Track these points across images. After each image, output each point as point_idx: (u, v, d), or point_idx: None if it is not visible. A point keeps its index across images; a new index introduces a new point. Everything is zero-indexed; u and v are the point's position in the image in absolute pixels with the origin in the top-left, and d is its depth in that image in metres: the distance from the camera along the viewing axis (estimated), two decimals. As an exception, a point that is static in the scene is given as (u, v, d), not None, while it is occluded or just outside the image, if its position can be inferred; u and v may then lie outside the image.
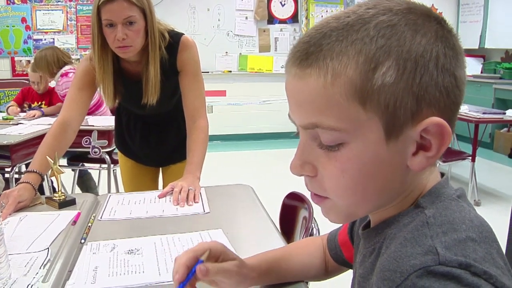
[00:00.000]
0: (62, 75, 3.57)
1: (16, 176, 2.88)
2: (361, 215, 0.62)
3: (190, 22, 6.39)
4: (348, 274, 0.83)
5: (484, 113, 3.93)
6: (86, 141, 3.06)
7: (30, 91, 3.96)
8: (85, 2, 6.08)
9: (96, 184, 3.92)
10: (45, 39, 6.05)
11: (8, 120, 3.35)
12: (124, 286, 0.95)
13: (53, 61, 3.58)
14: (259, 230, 1.28)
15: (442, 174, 0.62)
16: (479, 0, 6.53)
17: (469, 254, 0.49)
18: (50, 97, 3.93)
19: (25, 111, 3.77)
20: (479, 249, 0.50)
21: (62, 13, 6.06)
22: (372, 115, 0.53)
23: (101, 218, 1.36)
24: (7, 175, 2.79)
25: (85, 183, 3.81)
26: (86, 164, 3.66)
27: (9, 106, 3.77)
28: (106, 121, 3.27)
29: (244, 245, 1.16)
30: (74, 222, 1.30)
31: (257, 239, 1.24)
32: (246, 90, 6.74)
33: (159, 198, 1.52)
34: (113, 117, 2.15)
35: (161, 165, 2.09)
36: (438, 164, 0.61)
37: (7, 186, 2.49)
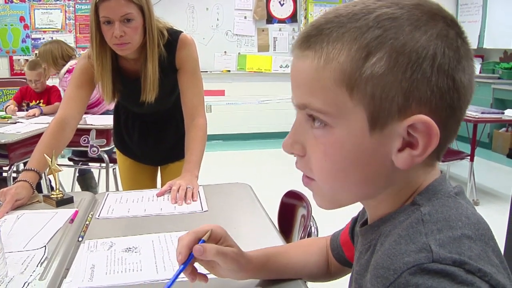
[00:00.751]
0: (68, 71, 3.57)
1: (14, 175, 2.87)
2: (344, 202, 0.62)
3: (189, 22, 6.39)
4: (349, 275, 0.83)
5: (482, 113, 3.93)
6: (85, 140, 3.05)
7: (28, 90, 3.95)
8: (83, 1, 6.07)
9: (97, 183, 3.92)
10: (43, 38, 6.04)
11: (6, 119, 3.35)
12: (122, 284, 0.95)
13: (58, 54, 3.61)
14: (257, 228, 1.28)
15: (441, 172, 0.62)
16: (478, 0, 6.53)
17: (464, 252, 0.48)
18: (48, 96, 3.92)
19: (23, 110, 3.76)
20: (475, 247, 0.50)
21: (61, 12, 6.06)
22: (357, 104, 0.54)
23: (99, 216, 1.36)
24: (5, 174, 2.78)
25: (86, 181, 3.81)
26: (87, 163, 3.66)
27: (8, 105, 3.76)
28: (104, 120, 3.26)
29: (242, 243, 1.15)
30: (72, 220, 1.29)
31: (255, 237, 1.23)
32: (245, 89, 6.74)
33: (157, 196, 1.52)
34: (112, 116, 2.14)
35: (160, 163, 2.08)
36: (437, 162, 0.60)
37: (4, 185, 2.48)
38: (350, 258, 0.86)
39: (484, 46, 6.43)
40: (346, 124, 0.55)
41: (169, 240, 1.16)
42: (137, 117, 1.98)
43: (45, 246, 1.12)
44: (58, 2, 6.03)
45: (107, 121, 3.12)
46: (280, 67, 6.78)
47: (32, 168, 1.50)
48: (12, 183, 2.64)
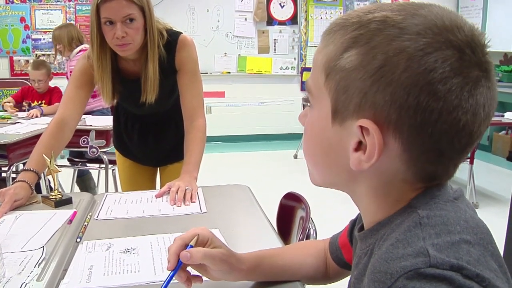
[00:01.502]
0: (81, 50, 3.68)
1: (13, 175, 2.87)
2: (318, 181, 0.66)
3: (190, 23, 6.39)
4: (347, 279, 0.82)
5: (482, 116, 3.92)
6: (84, 141, 3.05)
7: (30, 90, 3.95)
8: (84, 2, 6.07)
9: (96, 184, 3.92)
10: (44, 39, 6.04)
11: (6, 119, 3.34)
12: (119, 285, 0.95)
13: (74, 35, 3.76)
14: (256, 230, 1.28)
15: None
16: (478, 3, 6.54)
17: (462, 256, 0.48)
18: (50, 96, 3.92)
19: (24, 110, 3.76)
20: (474, 251, 0.49)
21: (61, 12, 6.05)
22: (328, 91, 0.57)
23: (97, 217, 1.35)
24: (4, 174, 2.78)
25: (85, 182, 3.81)
26: (85, 164, 3.66)
27: (5, 102, 3.76)
28: (104, 121, 3.26)
29: (241, 245, 1.15)
30: (70, 221, 1.29)
31: (254, 239, 1.23)
32: (245, 91, 6.74)
33: (156, 197, 1.51)
34: (111, 117, 2.14)
35: (159, 164, 2.08)
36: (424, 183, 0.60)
37: (3, 185, 2.48)
38: (349, 260, 0.85)
39: (484, 49, 6.42)
40: (319, 107, 0.60)
41: (167, 242, 1.15)
42: (137, 119, 1.98)
43: (43, 247, 1.12)
44: (58, 2, 6.03)
45: (107, 122, 3.12)
46: (280, 69, 6.78)
47: (31, 169, 1.50)
48: (11, 183, 2.64)
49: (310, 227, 1.20)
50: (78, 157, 3.65)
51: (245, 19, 6.60)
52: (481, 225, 0.55)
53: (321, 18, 6.77)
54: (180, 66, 1.75)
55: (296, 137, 6.06)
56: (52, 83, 4.07)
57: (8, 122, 3.28)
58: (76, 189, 3.80)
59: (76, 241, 1.17)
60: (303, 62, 6.84)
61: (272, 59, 6.76)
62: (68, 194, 1.49)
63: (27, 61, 5.91)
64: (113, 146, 2.28)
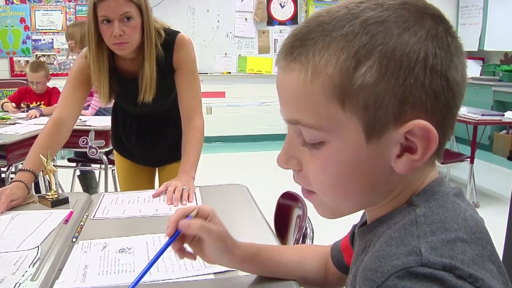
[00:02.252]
0: None
1: (12, 175, 2.87)
2: (346, 212, 0.61)
3: (190, 23, 6.39)
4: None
5: (483, 115, 3.92)
6: (83, 141, 3.05)
7: (28, 91, 3.94)
8: (84, 3, 6.08)
9: (97, 184, 3.92)
10: (44, 39, 6.05)
11: (5, 120, 3.34)
12: (114, 285, 0.94)
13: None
14: (253, 229, 1.27)
15: None
16: (479, 2, 6.53)
17: (457, 256, 0.47)
18: (49, 98, 3.91)
19: (23, 111, 3.76)
20: (469, 250, 0.48)
21: (61, 13, 6.06)
22: (351, 116, 0.52)
23: (94, 217, 1.35)
24: (2, 175, 2.78)
25: (87, 180, 3.81)
26: (89, 164, 3.67)
27: (4, 102, 3.76)
28: (103, 121, 3.26)
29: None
30: (66, 221, 1.28)
31: (250, 238, 1.21)
32: (245, 91, 6.74)
33: (153, 197, 1.51)
34: (110, 117, 2.14)
35: (157, 165, 2.08)
36: (437, 164, 0.59)
37: (2, 185, 2.48)
38: (350, 264, 0.84)
39: (484, 49, 6.42)
40: (340, 136, 0.53)
41: (163, 241, 1.15)
42: (135, 118, 1.97)
43: (38, 246, 1.11)
44: (58, 3, 6.04)
45: (106, 122, 3.12)
46: (280, 69, 6.77)
47: (28, 169, 1.49)
48: (9, 184, 2.63)
49: (307, 226, 1.20)
50: (82, 157, 3.65)
51: (245, 19, 6.60)
52: (480, 224, 0.53)
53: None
54: (178, 65, 1.75)
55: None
56: (53, 84, 4.07)
57: (7, 122, 3.28)
58: (77, 188, 3.80)
59: (72, 240, 1.17)
60: (304, 62, 6.83)
61: (273, 59, 6.75)
62: (64, 194, 1.48)
63: (27, 61, 5.90)
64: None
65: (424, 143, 0.52)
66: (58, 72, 6.02)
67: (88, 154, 3.10)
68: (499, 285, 0.48)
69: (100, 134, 3.10)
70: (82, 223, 1.29)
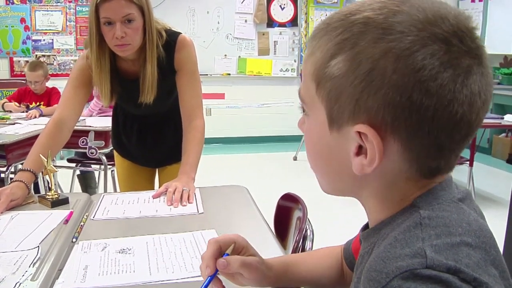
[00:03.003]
0: None
1: (12, 175, 2.87)
2: (327, 189, 0.65)
3: (190, 25, 6.39)
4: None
5: (482, 118, 3.91)
6: (83, 142, 3.05)
7: (27, 91, 3.94)
8: (84, 3, 6.07)
9: (97, 184, 3.92)
10: (44, 40, 6.04)
11: (5, 120, 3.34)
12: (114, 285, 0.94)
13: None
14: (253, 230, 1.27)
15: None
16: (478, 5, 6.54)
17: (461, 259, 0.47)
18: (48, 98, 3.91)
19: (22, 112, 3.76)
20: (474, 255, 0.48)
21: (62, 14, 6.06)
22: (321, 99, 0.56)
23: (93, 217, 1.35)
24: (2, 175, 2.78)
25: (86, 180, 3.81)
26: (89, 165, 3.67)
27: (4, 103, 3.76)
28: (103, 121, 3.26)
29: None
30: (66, 221, 1.29)
31: (250, 239, 1.21)
32: (245, 93, 6.74)
33: (153, 198, 1.51)
34: (110, 117, 2.14)
35: (158, 165, 2.08)
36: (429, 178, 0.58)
37: (2, 186, 2.47)
38: None
39: (484, 52, 6.42)
40: (314, 115, 0.59)
41: (163, 242, 1.15)
42: (136, 119, 1.97)
43: (38, 246, 1.11)
44: (59, 3, 6.03)
45: (106, 122, 3.12)
46: (280, 71, 6.78)
47: (28, 169, 1.49)
48: (9, 184, 2.63)
49: (307, 228, 1.20)
50: (82, 157, 3.64)
51: (245, 21, 6.60)
52: (484, 229, 0.53)
53: (321, 20, 6.76)
54: (179, 66, 1.75)
55: (295, 139, 6.05)
56: (53, 84, 4.07)
57: (7, 122, 3.28)
58: (76, 188, 3.80)
59: (72, 241, 1.17)
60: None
61: (272, 61, 6.76)
62: (64, 194, 1.48)
63: (27, 62, 5.89)
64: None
65: (372, 150, 0.53)
66: (58, 73, 6.01)
67: (88, 154, 3.10)
68: None
69: (99, 134, 3.10)
70: (82, 223, 1.29)
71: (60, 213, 1.35)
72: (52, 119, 1.67)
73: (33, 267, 1.00)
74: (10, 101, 3.84)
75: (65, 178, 3.75)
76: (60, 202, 1.43)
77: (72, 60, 6.08)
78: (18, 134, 2.80)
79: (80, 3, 6.08)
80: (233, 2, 6.49)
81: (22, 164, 2.94)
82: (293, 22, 6.75)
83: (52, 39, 6.07)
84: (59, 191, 1.49)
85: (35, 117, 3.47)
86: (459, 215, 0.53)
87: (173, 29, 1.79)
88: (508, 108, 5.60)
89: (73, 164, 3.71)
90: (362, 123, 0.52)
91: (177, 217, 1.36)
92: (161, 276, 0.97)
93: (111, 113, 2.11)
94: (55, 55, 6.09)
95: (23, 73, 5.72)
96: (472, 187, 3.91)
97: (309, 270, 0.92)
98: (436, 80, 0.49)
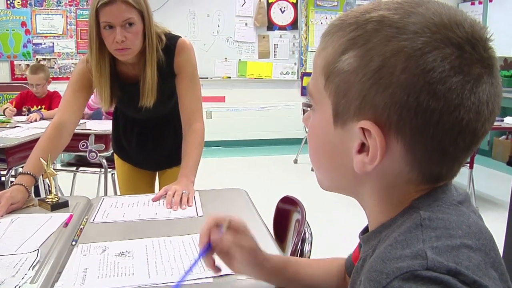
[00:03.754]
0: None
1: (12, 179, 2.87)
2: (325, 185, 0.65)
3: (190, 28, 6.40)
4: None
5: (482, 120, 3.91)
6: (83, 145, 3.05)
7: (29, 95, 3.95)
8: (85, 7, 6.09)
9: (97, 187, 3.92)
10: (44, 43, 6.06)
11: (5, 123, 3.35)
12: (113, 288, 0.94)
13: None
14: (252, 233, 1.27)
15: None
16: (478, 8, 6.55)
17: (462, 261, 0.47)
18: (50, 101, 3.92)
19: (24, 115, 3.76)
20: (474, 257, 0.49)
21: (62, 17, 6.07)
22: (328, 94, 0.57)
23: (93, 220, 1.35)
24: (2, 178, 2.78)
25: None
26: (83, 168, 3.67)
27: (6, 108, 3.76)
28: (103, 125, 3.26)
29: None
30: (66, 224, 1.29)
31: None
32: (245, 96, 6.75)
33: (153, 201, 1.51)
34: (111, 121, 2.14)
35: (158, 169, 2.08)
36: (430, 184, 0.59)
37: (2, 189, 2.48)
38: None
39: (484, 54, 6.43)
40: (320, 110, 0.60)
41: (162, 245, 1.15)
42: (136, 123, 1.98)
43: (37, 249, 1.12)
44: (59, 7, 6.05)
45: (106, 126, 3.12)
46: (281, 74, 6.79)
47: (28, 172, 1.50)
48: (9, 187, 2.63)
49: (306, 230, 1.20)
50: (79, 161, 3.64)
51: (246, 24, 6.62)
52: (484, 231, 0.54)
53: (321, 23, 6.78)
54: (179, 70, 1.75)
55: (296, 142, 6.06)
56: (53, 87, 4.08)
57: (8, 126, 3.29)
58: (76, 192, 3.80)
59: (72, 244, 1.17)
60: (304, 67, 6.85)
61: (273, 64, 6.77)
62: (64, 198, 1.49)
63: (28, 65, 5.90)
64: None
65: (374, 148, 0.53)
66: (59, 76, 6.03)
67: (88, 158, 3.10)
68: None
69: (100, 138, 3.10)
70: (81, 226, 1.29)
71: (60, 216, 1.35)
72: (52, 123, 1.67)
73: (32, 270, 1.01)
74: (15, 106, 3.84)
75: (65, 181, 3.76)
76: (59, 205, 1.44)
77: (72, 63, 6.09)
78: (19, 138, 2.81)
79: (81, 7, 6.10)
80: (234, 5, 6.51)
81: (22, 167, 2.95)
82: (293, 25, 6.77)
83: (53, 43, 6.09)
84: (59, 194, 1.49)
85: (36, 120, 3.47)
86: (459, 217, 0.53)
87: (172, 32, 1.80)
88: (508, 110, 5.59)
89: (73, 168, 3.71)
90: (367, 119, 0.52)
91: (176, 220, 1.36)
92: (160, 279, 0.98)
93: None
94: (55, 58, 6.11)
95: (23, 77, 5.75)
96: (472, 190, 3.91)
97: (309, 274, 0.91)
98: (445, 83, 0.49)
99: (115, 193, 3.48)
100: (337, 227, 3.44)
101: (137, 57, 1.69)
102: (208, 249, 0.82)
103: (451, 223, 0.52)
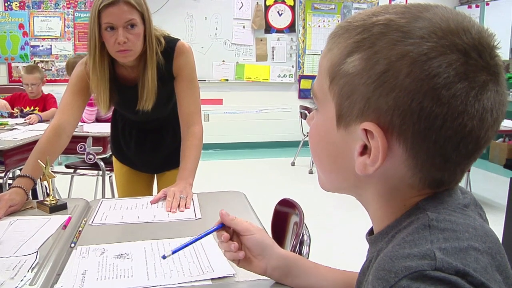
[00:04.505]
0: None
1: (10, 181, 2.87)
2: (327, 186, 0.66)
3: (188, 30, 6.41)
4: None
5: (479, 123, 3.93)
6: (81, 148, 3.05)
7: (21, 96, 3.95)
8: (82, 9, 6.10)
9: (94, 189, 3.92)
10: (42, 46, 6.06)
11: (3, 126, 3.35)
12: (112, 290, 0.95)
13: None
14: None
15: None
16: (475, 11, 6.58)
17: (470, 263, 0.47)
18: (44, 103, 3.91)
19: (16, 116, 3.76)
20: (482, 259, 0.49)
21: (60, 19, 6.08)
22: (332, 96, 0.57)
23: (92, 222, 1.35)
24: (0, 181, 2.78)
25: None
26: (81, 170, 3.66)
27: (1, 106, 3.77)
28: (101, 127, 3.27)
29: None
30: (65, 226, 1.29)
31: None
32: (242, 99, 6.76)
33: (151, 203, 1.52)
34: (109, 123, 2.14)
35: (156, 171, 2.08)
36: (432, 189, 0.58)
37: (0, 191, 2.48)
38: None
39: (481, 57, 6.45)
40: (324, 111, 0.60)
41: (161, 247, 1.16)
42: (134, 125, 1.98)
43: (36, 251, 1.12)
44: (57, 9, 6.06)
45: (104, 128, 3.13)
46: (278, 77, 6.80)
47: (27, 175, 1.50)
48: (7, 190, 2.63)
49: (304, 233, 1.20)
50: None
51: (243, 26, 6.63)
52: (490, 234, 0.54)
53: (319, 26, 6.80)
54: (178, 72, 1.76)
55: (294, 144, 6.07)
56: (51, 90, 4.08)
57: (5, 128, 3.28)
58: (74, 195, 3.80)
59: (70, 246, 1.18)
60: (301, 70, 6.86)
61: (270, 67, 6.78)
62: (63, 200, 1.49)
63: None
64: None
65: (376, 150, 0.53)
66: (56, 78, 6.03)
67: (86, 160, 3.10)
68: None
69: (98, 140, 3.10)
70: (80, 228, 1.30)
71: (59, 219, 1.35)
72: (51, 125, 1.67)
73: (31, 272, 1.01)
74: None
75: (63, 183, 3.76)
76: (58, 207, 1.44)
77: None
78: (17, 140, 2.81)
79: (79, 9, 6.11)
80: (231, 8, 6.53)
81: (20, 169, 2.95)
82: (291, 28, 6.78)
83: (51, 45, 6.09)
84: (57, 197, 1.49)
85: (34, 122, 3.47)
86: (465, 220, 0.53)
87: (171, 35, 1.80)
88: (506, 114, 5.62)
89: (71, 170, 3.71)
90: (370, 121, 0.53)
91: (175, 222, 1.36)
92: (159, 281, 0.98)
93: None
94: (53, 60, 6.11)
95: (21, 79, 5.74)
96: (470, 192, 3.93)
97: (319, 275, 0.90)
98: (450, 89, 0.49)
99: (113, 196, 3.48)
100: (335, 229, 3.44)
101: (137, 60, 1.69)
102: (219, 227, 0.90)
103: (458, 225, 0.52)
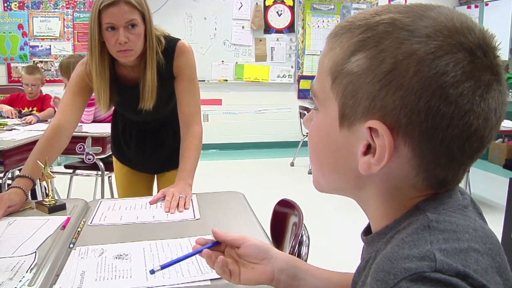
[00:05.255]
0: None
1: (9, 182, 2.87)
2: (324, 187, 0.65)
3: (187, 31, 6.41)
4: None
5: (478, 124, 3.94)
6: (80, 148, 3.05)
7: (19, 97, 3.95)
8: (82, 10, 6.10)
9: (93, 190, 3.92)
10: (41, 46, 6.06)
11: (2, 126, 3.34)
12: (111, 291, 0.94)
13: (73, 67, 3.61)
14: (249, 235, 1.27)
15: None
16: (474, 11, 6.59)
17: (470, 265, 0.47)
18: (41, 104, 3.91)
19: (14, 117, 3.76)
20: (482, 260, 0.48)
21: (59, 20, 6.07)
22: (335, 95, 0.57)
23: (91, 223, 1.35)
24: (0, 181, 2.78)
25: None
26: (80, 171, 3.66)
27: (7, 110, 3.76)
28: (100, 128, 3.26)
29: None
30: (64, 227, 1.29)
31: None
32: (242, 99, 6.76)
33: (150, 204, 1.51)
34: (109, 124, 2.14)
35: (156, 172, 2.08)
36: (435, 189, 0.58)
37: (-1, 192, 2.47)
38: None
39: (480, 58, 6.46)
40: (325, 111, 0.59)
41: (160, 248, 1.16)
42: (135, 125, 1.98)
43: (35, 252, 1.12)
44: (56, 10, 6.06)
45: (103, 129, 3.12)
46: (278, 77, 6.80)
47: (26, 175, 1.50)
48: (6, 190, 2.63)
49: (303, 233, 1.20)
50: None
51: (243, 27, 6.63)
52: (490, 235, 0.53)
53: (318, 26, 6.81)
54: (178, 72, 1.76)
55: (293, 145, 6.07)
56: (50, 90, 4.08)
57: (4, 128, 3.28)
58: (73, 195, 3.79)
59: (69, 246, 1.17)
60: (300, 70, 6.87)
61: (269, 67, 6.78)
62: (62, 200, 1.49)
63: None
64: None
65: (381, 148, 0.52)
66: (56, 79, 6.02)
67: (85, 160, 3.10)
68: None
69: (97, 140, 3.10)
70: (79, 229, 1.29)
71: (57, 219, 1.35)
72: (51, 125, 1.67)
73: (30, 272, 1.01)
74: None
75: (62, 184, 3.76)
76: (57, 208, 1.44)
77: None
78: (16, 140, 2.80)
79: (78, 10, 6.11)
80: (231, 9, 6.53)
81: (19, 170, 2.95)
82: (290, 28, 6.79)
83: (50, 45, 6.09)
84: (56, 197, 1.49)
85: (31, 122, 3.47)
86: (465, 221, 0.53)
87: (171, 35, 1.80)
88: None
89: (70, 170, 3.71)
90: (376, 119, 0.52)
91: (174, 223, 1.36)
92: (157, 282, 0.98)
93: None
94: (52, 61, 6.11)
95: (20, 79, 5.74)
96: (468, 192, 3.93)
97: (322, 277, 0.88)
98: (457, 88, 0.49)
99: (112, 196, 3.48)
100: (334, 230, 3.45)
101: (137, 60, 1.69)
102: (215, 244, 0.86)
103: (458, 226, 0.51)
